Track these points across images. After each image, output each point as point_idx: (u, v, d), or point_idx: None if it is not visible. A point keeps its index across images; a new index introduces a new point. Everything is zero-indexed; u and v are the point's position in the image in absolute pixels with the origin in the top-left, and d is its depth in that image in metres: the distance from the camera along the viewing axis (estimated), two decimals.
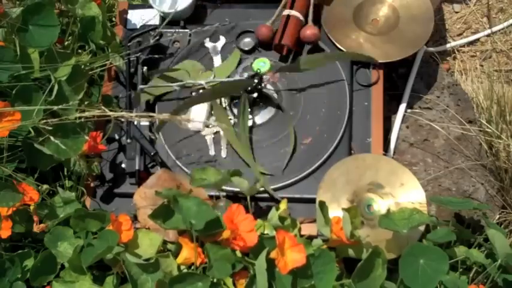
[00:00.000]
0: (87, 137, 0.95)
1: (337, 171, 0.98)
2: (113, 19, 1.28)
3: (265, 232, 0.93)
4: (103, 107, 0.90)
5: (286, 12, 1.11)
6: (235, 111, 1.08)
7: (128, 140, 1.04)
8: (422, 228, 0.91)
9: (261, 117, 1.08)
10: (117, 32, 1.18)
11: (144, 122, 1.06)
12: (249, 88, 1.06)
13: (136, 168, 1.02)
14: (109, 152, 1.07)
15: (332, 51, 1.12)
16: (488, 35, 1.41)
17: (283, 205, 0.96)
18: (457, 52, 1.40)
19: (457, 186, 1.08)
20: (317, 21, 1.13)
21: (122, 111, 1.07)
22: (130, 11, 1.21)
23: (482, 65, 1.38)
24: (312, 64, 1.06)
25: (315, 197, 0.97)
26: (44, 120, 0.88)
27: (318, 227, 0.94)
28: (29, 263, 0.92)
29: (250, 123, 1.06)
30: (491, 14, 1.44)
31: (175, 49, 1.16)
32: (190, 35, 1.17)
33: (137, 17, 1.20)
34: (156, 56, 1.13)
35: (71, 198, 0.99)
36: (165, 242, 0.95)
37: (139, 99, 1.08)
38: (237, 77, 1.10)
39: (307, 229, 0.97)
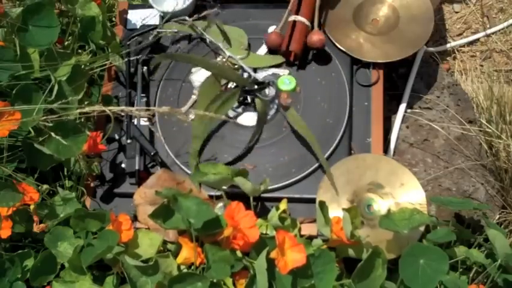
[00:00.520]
0: (88, 133, 0.95)
1: (337, 171, 0.98)
2: (113, 19, 1.28)
3: (266, 232, 0.93)
4: (103, 108, 0.90)
5: (292, 18, 1.11)
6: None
7: (128, 140, 1.04)
8: (422, 228, 0.91)
9: (245, 118, 1.08)
10: (117, 32, 1.18)
11: (144, 122, 1.06)
12: (246, 88, 1.06)
13: (136, 168, 1.02)
14: (109, 152, 1.07)
15: (333, 51, 1.12)
16: (488, 35, 1.41)
17: (283, 205, 0.96)
18: (457, 52, 1.40)
19: (457, 186, 1.08)
20: (319, 24, 1.13)
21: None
22: (130, 11, 1.21)
23: (482, 65, 1.38)
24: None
25: (315, 197, 0.97)
26: (44, 117, 0.88)
27: (318, 227, 0.94)
28: (29, 263, 0.92)
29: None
30: (491, 14, 1.44)
31: (176, 49, 1.16)
32: (190, 34, 1.17)
33: (137, 17, 1.20)
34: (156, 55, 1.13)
35: (71, 198, 0.99)
36: (165, 242, 0.95)
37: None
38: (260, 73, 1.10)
39: (307, 229, 0.97)
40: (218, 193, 0.99)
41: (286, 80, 1.07)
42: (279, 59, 1.11)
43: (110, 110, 0.88)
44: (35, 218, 0.97)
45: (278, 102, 1.07)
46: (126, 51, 1.11)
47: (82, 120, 1.04)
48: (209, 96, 1.06)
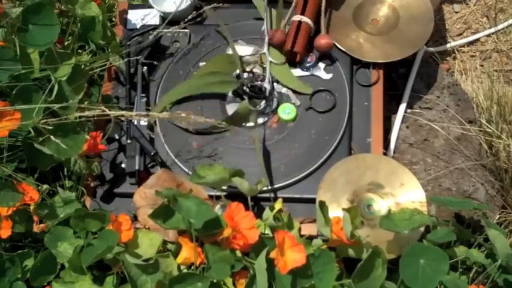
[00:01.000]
0: (87, 136, 0.95)
1: (337, 171, 0.98)
2: (113, 19, 1.28)
3: (265, 232, 0.93)
4: (103, 107, 0.90)
5: (297, 17, 1.11)
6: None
7: (128, 140, 1.04)
8: (422, 228, 0.91)
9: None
10: (117, 32, 1.18)
11: (144, 122, 1.06)
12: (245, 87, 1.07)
13: (136, 168, 1.02)
14: (109, 152, 1.07)
15: (333, 51, 1.11)
16: (488, 35, 1.41)
17: (278, 205, 0.96)
18: (457, 52, 1.40)
19: (457, 186, 1.08)
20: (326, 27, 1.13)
21: (121, 111, 1.07)
22: (130, 11, 1.21)
23: (482, 65, 1.38)
24: None
25: (315, 197, 0.97)
26: (44, 120, 0.88)
27: (318, 227, 0.94)
28: (29, 263, 0.92)
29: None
30: (491, 14, 1.44)
31: (175, 49, 1.16)
32: (190, 35, 1.17)
33: (137, 17, 1.20)
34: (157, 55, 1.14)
35: (71, 198, 0.99)
36: (165, 242, 0.95)
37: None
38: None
39: (307, 229, 0.97)
40: (218, 193, 0.99)
41: (288, 109, 1.06)
42: (306, 89, 1.08)
43: (110, 115, 0.88)
44: (35, 218, 0.97)
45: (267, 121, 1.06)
46: (126, 51, 1.11)
47: (82, 120, 1.04)
48: (216, 67, 1.09)
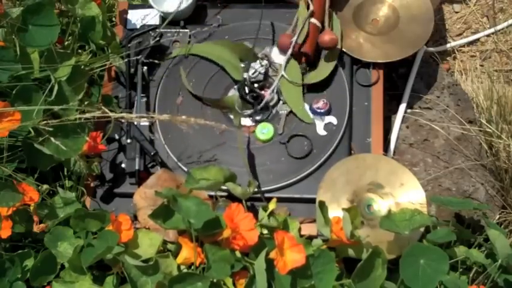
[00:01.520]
0: (87, 138, 0.95)
1: (337, 171, 0.98)
2: (113, 19, 1.28)
3: (264, 232, 0.93)
4: (103, 107, 0.90)
5: (312, 20, 1.10)
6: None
7: (128, 140, 1.04)
8: (422, 228, 0.91)
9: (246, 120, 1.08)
10: (117, 32, 1.18)
11: (144, 122, 1.06)
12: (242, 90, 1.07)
13: (136, 168, 1.02)
14: (109, 152, 1.07)
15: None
16: (488, 35, 1.41)
17: (272, 205, 0.96)
18: (457, 52, 1.40)
19: (457, 186, 1.08)
20: (330, 23, 1.13)
21: (121, 111, 1.07)
22: (130, 11, 1.21)
23: (482, 65, 1.38)
24: None
25: (315, 197, 0.97)
26: (44, 122, 0.88)
27: (318, 227, 0.94)
28: (29, 263, 0.92)
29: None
30: (491, 14, 1.44)
31: (175, 49, 1.16)
32: (190, 35, 1.17)
33: (137, 17, 1.20)
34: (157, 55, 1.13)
35: (71, 198, 0.99)
36: (165, 242, 0.95)
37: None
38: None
39: (307, 229, 0.97)
40: (218, 193, 0.99)
41: (265, 130, 1.04)
42: (308, 118, 1.05)
43: (111, 117, 0.88)
44: (35, 218, 0.97)
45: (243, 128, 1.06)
46: (127, 53, 1.11)
47: (82, 120, 1.04)
48: (236, 50, 1.10)
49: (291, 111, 1.06)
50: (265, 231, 0.93)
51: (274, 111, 1.07)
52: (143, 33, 1.15)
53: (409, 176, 0.97)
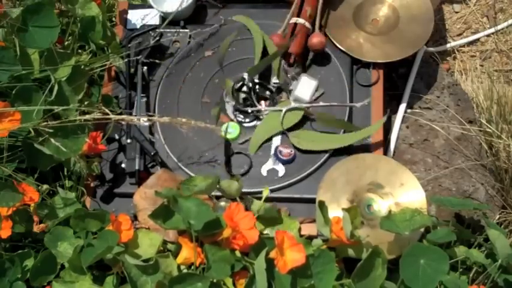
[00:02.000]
0: (87, 139, 0.95)
1: (337, 171, 0.98)
2: (113, 19, 1.28)
3: (265, 232, 0.93)
4: (103, 108, 0.90)
5: (293, 20, 1.11)
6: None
7: (128, 140, 1.04)
8: (422, 228, 0.91)
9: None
10: (117, 32, 1.18)
11: (145, 122, 1.06)
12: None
13: (136, 168, 1.02)
14: (109, 152, 1.07)
15: (332, 51, 1.12)
16: (488, 35, 1.41)
17: (265, 192, 0.96)
18: (457, 52, 1.40)
19: (457, 186, 1.08)
20: (320, 26, 1.13)
21: (121, 111, 1.07)
22: (130, 11, 1.21)
23: (482, 65, 1.38)
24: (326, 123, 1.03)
25: (315, 197, 0.97)
26: (44, 123, 0.89)
27: (317, 227, 0.94)
28: (29, 263, 0.92)
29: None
30: (491, 14, 1.44)
31: (175, 49, 1.16)
32: (190, 35, 1.17)
33: (137, 17, 1.20)
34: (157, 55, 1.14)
35: (71, 198, 0.99)
36: (165, 242, 0.95)
37: None
38: None
39: (307, 229, 0.97)
40: (218, 193, 0.99)
41: (231, 129, 1.05)
42: (252, 147, 1.05)
43: (111, 119, 0.88)
44: (35, 218, 0.97)
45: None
46: (127, 53, 1.11)
47: (82, 121, 1.04)
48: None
49: None
50: (266, 231, 0.93)
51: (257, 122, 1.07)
52: (143, 33, 1.15)
53: (409, 176, 0.97)
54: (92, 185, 1.05)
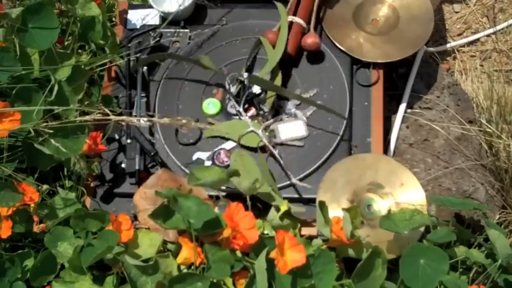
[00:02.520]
0: (87, 139, 0.95)
1: (337, 171, 0.98)
2: (113, 19, 1.28)
3: (265, 232, 0.93)
4: (103, 108, 0.90)
5: (289, 18, 1.10)
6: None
7: (128, 140, 1.04)
8: (422, 228, 0.91)
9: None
10: (117, 32, 1.18)
11: (144, 122, 1.06)
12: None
13: (136, 168, 1.02)
14: (109, 152, 1.07)
15: (332, 51, 1.12)
16: (488, 35, 1.41)
17: (284, 207, 0.96)
18: (457, 52, 1.40)
19: (457, 186, 1.08)
20: (316, 26, 1.13)
21: (121, 111, 1.07)
22: (130, 11, 1.21)
23: (482, 65, 1.38)
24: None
25: (315, 197, 0.97)
26: (44, 123, 0.89)
27: (318, 227, 0.94)
28: (29, 263, 0.92)
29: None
30: (491, 14, 1.44)
31: (175, 49, 1.16)
32: (190, 36, 1.17)
33: (137, 17, 1.20)
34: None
35: (71, 198, 0.99)
36: (165, 242, 0.95)
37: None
38: None
39: (307, 229, 0.97)
40: (218, 193, 0.99)
41: (211, 105, 1.07)
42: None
43: (111, 119, 0.88)
44: (35, 218, 0.97)
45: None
46: (127, 52, 1.11)
47: (82, 122, 1.04)
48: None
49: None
50: (266, 231, 0.93)
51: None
52: (143, 33, 1.15)
53: (409, 176, 0.97)
54: (92, 185, 1.05)
